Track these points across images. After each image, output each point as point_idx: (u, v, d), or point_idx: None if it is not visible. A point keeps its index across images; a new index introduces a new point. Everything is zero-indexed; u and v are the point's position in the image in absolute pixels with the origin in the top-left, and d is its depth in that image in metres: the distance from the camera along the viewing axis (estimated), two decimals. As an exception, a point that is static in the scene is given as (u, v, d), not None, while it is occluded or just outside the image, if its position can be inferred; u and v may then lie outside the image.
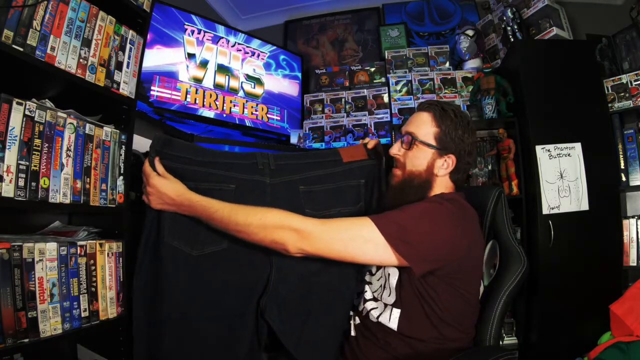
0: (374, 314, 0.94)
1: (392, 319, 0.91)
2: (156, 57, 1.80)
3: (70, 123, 0.95)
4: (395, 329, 0.90)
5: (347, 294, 1.02)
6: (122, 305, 1.05)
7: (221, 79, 2.08)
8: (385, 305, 0.94)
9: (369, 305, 0.97)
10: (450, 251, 0.86)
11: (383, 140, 2.14)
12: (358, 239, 0.85)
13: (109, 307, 1.01)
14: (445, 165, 0.97)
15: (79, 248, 0.95)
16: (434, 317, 0.89)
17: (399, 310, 0.91)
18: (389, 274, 0.94)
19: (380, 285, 0.97)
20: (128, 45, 1.13)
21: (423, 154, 0.97)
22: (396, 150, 1.01)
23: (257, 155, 1.02)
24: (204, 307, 0.91)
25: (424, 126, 0.98)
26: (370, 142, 1.13)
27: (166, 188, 0.89)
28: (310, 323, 0.96)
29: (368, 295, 0.99)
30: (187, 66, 1.94)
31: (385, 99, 2.26)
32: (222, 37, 2.11)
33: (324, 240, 0.84)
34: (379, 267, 1.01)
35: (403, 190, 0.98)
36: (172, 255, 0.91)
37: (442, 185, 0.99)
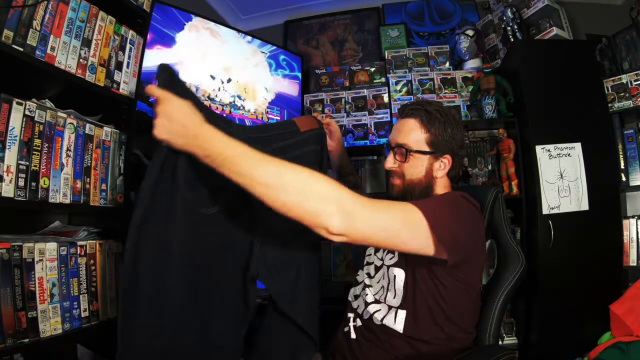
0: (378, 316, 0.94)
1: (397, 321, 0.91)
2: (156, 57, 1.80)
3: (70, 123, 0.95)
4: (401, 331, 0.90)
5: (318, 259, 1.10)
6: (122, 305, 1.05)
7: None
8: (390, 307, 0.93)
9: (372, 308, 0.96)
10: (471, 244, 0.87)
11: (383, 140, 2.14)
12: (406, 224, 0.78)
13: (109, 307, 1.02)
14: (442, 166, 0.98)
15: (79, 248, 0.95)
16: (440, 316, 0.89)
17: (404, 312, 0.91)
18: (394, 276, 0.94)
19: (382, 287, 0.97)
20: (128, 45, 1.13)
21: (420, 162, 0.97)
22: (391, 164, 1.00)
23: (232, 125, 0.99)
24: (208, 269, 0.87)
25: (414, 134, 0.97)
26: (318, 115, 1.17)
27: (180, 112, 0.70)
28: (299, 285, 1.00)
29: (369, 298, 0.99)
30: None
31: (385, 99, 2.26)
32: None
33: (371, 225, 0.74)
34: (378, 269, 1.01)
35: (405, 199, 0.97)
36: (188, 209, 0.79)
37: (441, 185, 1.00)
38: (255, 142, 0.95)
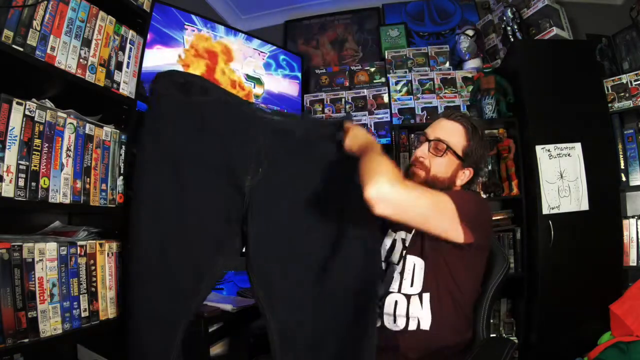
0: (401, 312, 0.94)
1: (424, 306, 0.93)
2: (156, 57, 1.80)
3: (70, 123, 0.95)
4: (429, 317, 0.92)
5: None
6: (122, 305, 1.05)
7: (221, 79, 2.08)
8: (408, 295, 0.94)
9: (387, 308, 0.96)
10: (490, 229, 0.99)
11: (383, 140, 2.14)
12: (438, 205, 0.87)
13: (109, 307, 1.02)
14: (463, 177, 1.04)
15: (79, 248, 0.95)
16: (455, 303, 0.94)
17: (428, 294, 0.93)
18: (413, 264, 0.96)
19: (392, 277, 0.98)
20: (128, 45, 1.13)
21: (450, 163, 1.02)
22: (422, 153, 1.04)
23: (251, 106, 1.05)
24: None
25: (457, 137, 1.02)
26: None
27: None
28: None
29: (389, 309, 0.98)
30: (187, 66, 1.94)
31: (385, 99, 2.26)
32: (222, 37, 2.11)
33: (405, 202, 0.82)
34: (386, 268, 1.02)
35: None
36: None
37: None
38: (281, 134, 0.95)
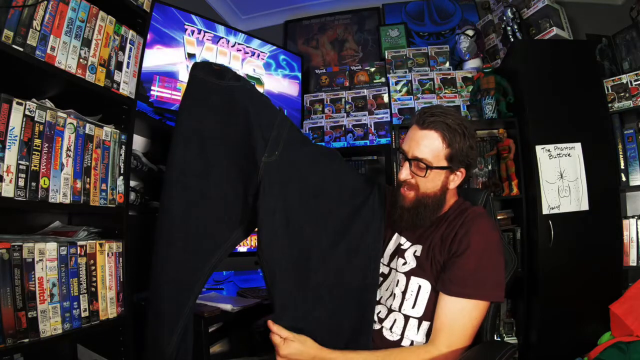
0: (397, 330, 0.92)
1: (420, 332, 0.91)
2: (156, 57, 1.80)
3: (70, 123, 0.95)
4: (423, 342, 0.90)
5: None
6: (122, 305, 1.05)
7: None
8: (407, 317, 0.92)
9: (387, 322, 0.95)
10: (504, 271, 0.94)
11: (383, 140, 2.14)
12: (474, 322, 0.89)
13: (109, 307, 1.02)
14: (456, 179, 0.97)
15: (79, 248, 0.95)
16: None
17: (428, 323, 0.90)
18: (419, 286, 0.92)
19: (393, 295, 0.96)
20: (128, 45, 1.13)
21: (437, 176, 0.95)
22: (407, 176, 0.96)
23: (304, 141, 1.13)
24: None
25: (434, 149, 0.93)
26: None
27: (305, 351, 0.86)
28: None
29: (382, 314, 0.97)
30: (188, 66, 1.94)
31: (385, 99, 2.26)
32: (222, 37, 2.11)
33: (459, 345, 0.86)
34: (386, 277, 1.00)
35: (417, 211, 0.96)
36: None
37: (451, 194, 1.01)
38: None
